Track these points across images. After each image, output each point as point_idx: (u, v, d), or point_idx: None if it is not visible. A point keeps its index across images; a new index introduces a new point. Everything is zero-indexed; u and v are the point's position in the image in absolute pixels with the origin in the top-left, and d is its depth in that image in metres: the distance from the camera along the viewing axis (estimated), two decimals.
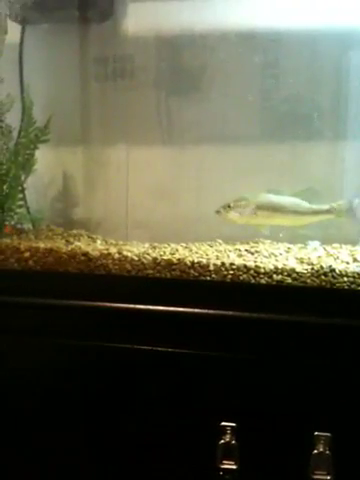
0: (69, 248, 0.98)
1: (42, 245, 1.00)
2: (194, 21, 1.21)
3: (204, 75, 1.22)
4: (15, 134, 1.14)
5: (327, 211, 1.03)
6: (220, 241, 1.10)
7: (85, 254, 0.97)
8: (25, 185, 1.16)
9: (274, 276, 0.89)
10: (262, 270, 0.90)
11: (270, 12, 1.17)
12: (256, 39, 1.18)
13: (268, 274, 0.89)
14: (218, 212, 1.05)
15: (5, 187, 1.10)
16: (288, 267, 0.89)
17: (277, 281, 0.89)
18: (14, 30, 1.23)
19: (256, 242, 1.08)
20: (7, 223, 1.13)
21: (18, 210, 1.15)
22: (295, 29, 1.16)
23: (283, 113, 1.19)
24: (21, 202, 1.15)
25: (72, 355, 0.94)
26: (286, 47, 1.17)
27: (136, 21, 1.25)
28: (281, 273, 0.89)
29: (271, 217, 1.04)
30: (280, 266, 0.90)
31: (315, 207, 1.04)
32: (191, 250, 1.02)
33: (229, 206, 1.04)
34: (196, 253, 0.99)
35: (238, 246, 1.05)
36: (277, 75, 1.19)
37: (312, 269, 0.89)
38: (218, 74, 1.21)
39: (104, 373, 0.93)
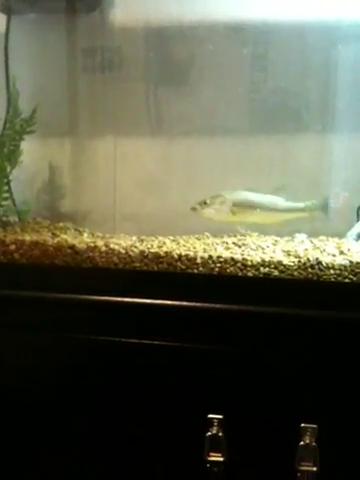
0: (55, 241, 0.98)
1: (28, 238, 0.99)
2: (183, 12, 1.20)
3: (193, 67, 1.21)
4: (0, 125, 1.12)
5: (302, 209, 1.04)
6: (208, 234, 1.10)
7: (72, 247, 0.96)
8: (11, 177, 1.14)
9: (261, 269, 0.89)
10: (249, 263, 0.89)
11: (260, 4, 1.17)
12: (245, 31, 1.18)
13: (255, 267, 0.89)
14: (194, 209, 1.04)
15: None
16: (275, 260, 0.89)
17: (264, 274, 0.89)
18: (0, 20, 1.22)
19: (243, 235, 1.08)
20: None
21: (3, 203, 1.13)
22: (285, 21, 1.16)
23: (272, 106, 1.19)
24: (7, 194, 1.14)
25: (59, 348, 0.93)
26: (275, 39, 1.17)
27: (124, 12, 1.24)
28: (268, 266, 0.89)
29: (247, 214, 1.04)
30: (267, 259, 0.90)
31: (291, 205, 1.04)
32: (179, 243, 1.02)
33: (205, 203, 1.04)
34: (184, 246, 0.99)
35: (226, 239, 1.04)
36: (266, 67, 1.19)
37: (299, 262, 0.89)
38: (207, 66, 1.21)
39: (90, 366, 0.92)
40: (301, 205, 1.04)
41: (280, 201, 1.04)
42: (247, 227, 1.08)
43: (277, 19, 1.16)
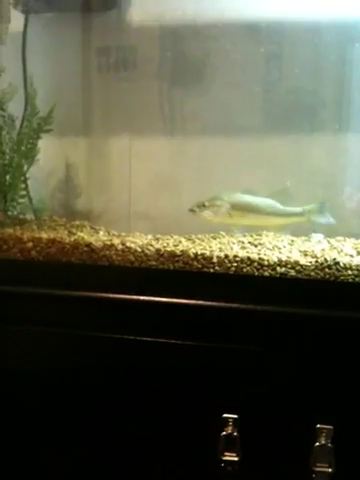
0: (72, 239, 0.98)
1: (45, 235, 1.00)
2: (199, 11, 1.20)
3: (208, 66, 1.21)
4: (18, 124, 1.13)
5: (300, 214, 1.03)
6: (223, 233, 1.10)
7: (88, 245, 0.96)
8: (27, 175, 1.15)
9: (278, 269, 0.89)
10: (266, 262, 0.89)
11: (275, 2, 1.16)
12: (260, 30, 1.17)
13: (272, 267, 0.89)
14: (192, 211, 1.04)
15: (8, 177, 1.10)
16: (292, 260, 0.89)
17: (281, 274, 0.89)
18: (17, 19, 1.22)
19: (259, 234, 1.08)
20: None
21: (20, 200, 1.14)
22: (299, 20, 1.15)
23: (287, 104, 1.18)
24: (23, 192, 1.15)
25: (75, 346, 0.93)
26: (290, 38, 1.16)
27: (141, 10, 1.24)
28: (285, 265, 0.89)
29: (245, 217, 1.04)
30: (284, 259, 0.89)
31: (288, 209, 1.04)
32: (194, 242, 1.02)
33: (204, 205, 1.04)
34: (199, 245, 0.99)
35: (241, 238, 1.04)
36: (281, 66, 1.18)
37: (316, 262, 0.89)
38: (222, 65, 1.20)
39: (106, 364, 0.92)
40: (299, 210, 1.03)
41: (277, 205, 1.04)
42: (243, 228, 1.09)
43: (292, 17, 1.15)
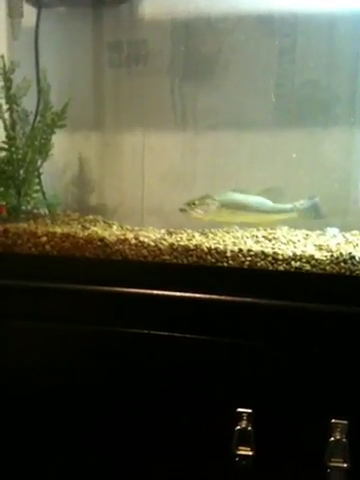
0: (86, 233, 0.98)
1: (59, 230, 1.00)
2: (211, 4, 1.19)
3: (221, 60, 1.20)
4: (31, 118, 1.13)
5: (290, 210, 1.04)
6: (237, 227, 1.09)
7: (102, 239, 0.96)
8: (41, 170, 1.15)
9: (293, 263, 0.88)
10: (280, 257, 0.89)
11: None
12: (273, 23, 1.16)
13: (286, 261, 0.88)
14: (183, 210, 1.04)
15: (21, 172, 1.10)
16: (307, 254, 0.88)
17: (295, 268, 0.88)
18: (30, 14, 1.22)
19: (273, 229, 1.07)
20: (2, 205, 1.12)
21: (34, 195, 1.14)
22: (313, 13, 1.14)
23: (300, 99, 1.17)
24: (37, 187, 1.15)
25: (89, 340, 0.94)
26: (304, 31, 1.15)
27: (153, 4, 1.24)
28: (300, 260, 0.88)
29: (235, 215, 1.05)
30: (299, 253, 0.89)
31: (278, 206, 1.05)
32: (207, 236, 1.02)
33: (194, 203, 1.04)
34: (213, 239, 0.99)
35: (255, 232, 1.04)
36: (294, 60, 1.17)
37: (331, 256, 0.88)
38: (235, 59, 1.20)
39: (120, 358, 0.93)
40: (289, 206, 1.04)
41: (267, 202, 1.05)
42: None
43: (305, 10, 1.14)
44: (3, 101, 1.07)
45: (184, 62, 1.24)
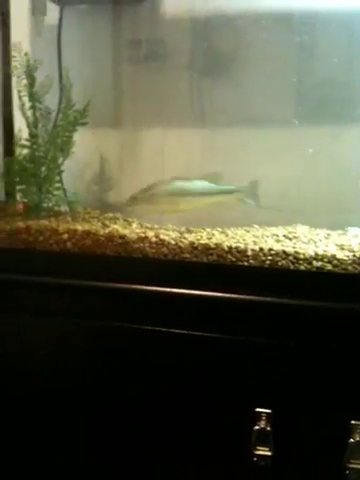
0: (107, 231, 0.99)
1: (80, 227, 1.01)
2: (229, 2, 1.18)
3: (242, 57, 1.20)
4: (53, 116, 1.14)
5: (232, 191, 1.08)
6: (256, 226, 1.09)
7: (122, 237, 0.97)
8: (62, 167, 1.16)
9: (314, 262, 0.87)
10: (302, 256, 0.88)
11: None
12: (291, 20, 1.15)
13: (308, 260, 0.88)
14: (127, 205, 1.06)
15: (43, 169, 1.11)
16: (328, 253, 0.88)
17: (317, 267, 0.87)
18: (52, 11, 1.23)
19: (294, 227, 1.07)
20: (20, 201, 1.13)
21: (55, 192, 1.15)
22: (332, 9, 1.13)
23: (319, 96, 1.16)
24: (58, 184, 1.16)
25: (108, 337, 0.94)
26: (322, 29, 1.14)
27: (173, 2, 1.23)
28: (321, 259, 0.87)
29: (181, 202, 1.06)
30: (320, 252, 0.88)
31: (221, 187, 1.08)
32: (227, 235, 1.01)
33: (135, 198, 1.06)
34: (233, 238, 0.98)
35: (275, 231, 1.03)
36: (313, 57, 1.16)
37: (353, 256, 0.87)
38: (255, 56, 1.19)
39: (140, 356, 0.93)
40: (231, 187, 1.08)
41: (211, 185, 1.07)
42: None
43: (324, 7, 1.13)
44: (26, 98, 1.08)
45: (205, 59, 1.24)
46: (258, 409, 0.87)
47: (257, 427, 0.87)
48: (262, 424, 0.87)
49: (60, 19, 1.22)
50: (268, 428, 0.87)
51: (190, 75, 1.24)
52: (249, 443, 0.87)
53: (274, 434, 0.87)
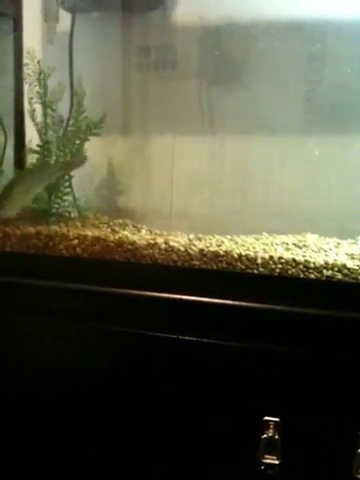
0: (116, 237, 0.99)
1: (89, 233, 1.01)
2: (240, 10, 1.19)
3: (250, 65, 1.20)
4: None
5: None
6: (266, 234, 1.09)
7: (132, 243, 0.97)
8: (73, 174, 1.16)
9: (324, 271, 0.87)
10: (312, 265, 0.88)
11: (317, 0, 1.14)
12: (302, 28, 1.15)
13: (318, 269, 0.88)
14: None
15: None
16: (339, 262, 0.88)
17: (327, 276, 0.87)
18: (64, 18, 1.24)
19: (303, 236, 1.07)
20: None
21: (65, 197, 1.16)
22: (343, 18, 1.13)
23: (329, 104, 1.17)
24: (68, 189, 1.16)
25: (117, 342, 0.94)
26: (333, 37, 1.14)
27: (186, 10, 1.24)
28: (331, 268, 0.87)
29: (30, 190, 1.06)
30: (330, 261, 0.88)
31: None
32: (237, 242, 1.02)
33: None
34: (242, 246, 0.98)
35: (285, 239, 1.03)
36: (323, 65, 1.16)
37: None
38: (264, 64, 1.19)
39: (146, 362, 0.93)
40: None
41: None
42: None
43: (335, 16, 1.13)
44: (38, 106, 1.09)
45: (214, 67, 1.25)
46: (266, 418, 0.87)
47: (265, 435, 0.87)
48: (270, 433, 0.87)
49: (72, 26, 1.23)
50: (276, 437, 0.87)
51: (200, 82, 1.25)
52: (257, 451, 0.87)
53: (282, 443, 0.87)
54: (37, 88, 1.08)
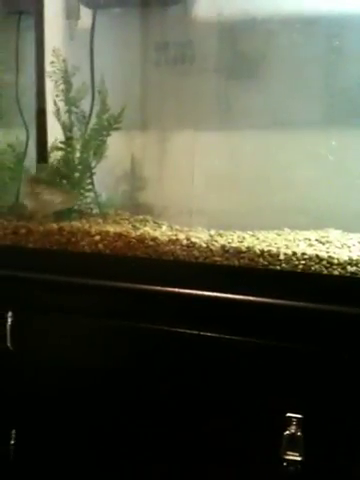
0: (138, 233, 0.99)
1: (111, 229, 1.02)
2: (257, 6, 1.18)
3: (269, 60, 1.19)
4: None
5: None
6: (288, 230, 1.08)
7: (154, 239, 0.97)
8: (94, 170, 1.17)
9: (348, 267, 0.86)
10: (336, 261, 0.87)
11: None
12: (319, 23, 1.14)
13: (342, 265, 0.87)
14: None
15: (76, 173, 1.12)
16: None
17: (351, 273, 0.86)
18: (86, 15, 1.24)
19: (326, 232, 1.05)
20: None
21: (87, 194, 1.16)
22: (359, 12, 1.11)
23: (349, 98, 1.15)
24: (90, 186, 1.17)
25: (140, 338, 0.95)
26: (350, 31, 1.13)
27: (203, 6, 1.24)
28: (356, 265, 0.86)
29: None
30: (355, 257, 0.87)
31: None
32: (258, 238, 1.01)
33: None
34: (264, 241, 0.98)
35: (307, 235, 1.02)
36: (341, 61, 1.15)
37: None
38: (283, 59, 1.18)
39: (169, 358, 0.94)
40: None
41: None
42: None
43: (352, 10, 1.12)
44: (61, 103, 1.09)
45: (233, 62, 1.24)
46: (289, 414, 0.86)
47: (287, 432, 0.87)
48: (293, 429, 0.87)
49: (93, 23, 1.23)
50: (299, 433, 0.86)
51: (219, 78, 1.24)
52: (279, 448, 0.87)
53: (305, 439, 0.86)
54: (62, 86, 1.08)
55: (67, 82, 1.07)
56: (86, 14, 1.26)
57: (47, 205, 1.07)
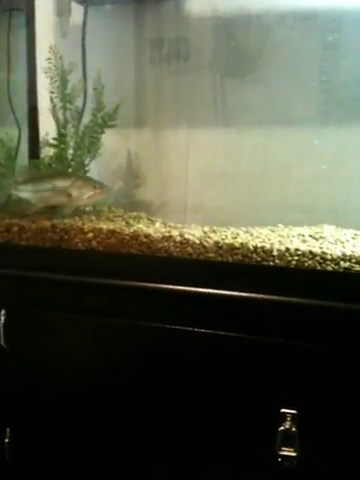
0: (132, 230, 0.99)
1: (105, 226, 1.01)
2: (253, 1, 1.18)
3: (264, 56, 1.19)
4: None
5: None
6: (281, 226, 1.08)
7: (147, 236, 0.97)
8: (88, 168, 1.16)
9: (341, 263, 0.86)
10: (329, 257, 0.87)
11: None
12: (315, 19, 1.14)
13: (335, 261, 0.87)
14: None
15: (70, 170, 1.12)
16: (356, 254, 0.87)
17: (344, 268, 0.86)
18: (76, 11, 1.24)
19: (320, 227, 1.05)
20: None
21: None
22: (357, 8, 1.11)
23: (344, 95, 1.15)
24: None
25: (132, 335, 0.95)
26: (347, 27, 1.12)
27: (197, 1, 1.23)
28: (349, 260, 0.86)
29: None
30: (348, 253, 0.87)
31: None
32: (252, 234, 1.01)
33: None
34: (258, 238, 0.98)
35: (301, 231, 1.02)
36: (337, 56, 1.15)
37: None
38: (278, 55, 1.18)
39: (162, 355, 0.93)
40: None
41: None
42: None
43: (349, 6, 1.11)
44: (57, 100, 1.09)
45: (228, 58, 1.24)
46: (284, 410, 0.86)
47: (282, 428, 0.87)
48: (287, 425, 0.87)
49: (84, 19, 1.23)
50: (293, 429, 0.86)
51: (214, 74, 1.24)
52: (274, 444, 0.87)
53: (299, 435, 0.86)
54: (58, 83, 1.08)
55: (63, 79, 1.07)
56: (78, 11, 1.25)
57: (74, 199, 1.07)
